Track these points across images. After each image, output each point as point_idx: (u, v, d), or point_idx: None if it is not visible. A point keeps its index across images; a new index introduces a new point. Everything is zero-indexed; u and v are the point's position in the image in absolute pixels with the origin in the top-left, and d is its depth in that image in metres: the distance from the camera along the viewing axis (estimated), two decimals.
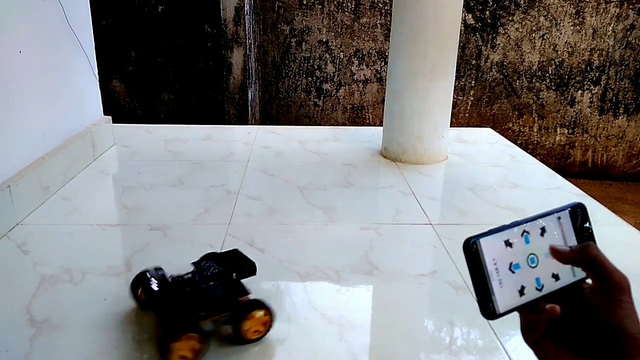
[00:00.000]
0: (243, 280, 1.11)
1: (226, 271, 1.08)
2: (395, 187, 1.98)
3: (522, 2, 3.87)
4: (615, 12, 3.86)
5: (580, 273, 0.48)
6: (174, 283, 1.09)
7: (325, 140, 2.54)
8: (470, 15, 3.91)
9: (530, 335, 0.48)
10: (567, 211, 0.49)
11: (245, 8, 3.48)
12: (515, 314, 0.48)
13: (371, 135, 2.63)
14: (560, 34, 3.93)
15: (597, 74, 4.03)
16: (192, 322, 1.01)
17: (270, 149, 2.40)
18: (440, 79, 2.14)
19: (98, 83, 2.31)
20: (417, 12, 2.05)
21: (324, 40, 3.99)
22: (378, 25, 3.95)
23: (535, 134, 4.21)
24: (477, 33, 3.96)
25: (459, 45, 2.29)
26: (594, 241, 0.48)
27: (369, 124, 4.14)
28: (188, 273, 1.10)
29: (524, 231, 0.47)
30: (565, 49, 3.97)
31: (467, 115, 4.16)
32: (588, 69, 4.02)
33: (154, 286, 1.09)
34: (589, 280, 0.47)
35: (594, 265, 0.45)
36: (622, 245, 1.57)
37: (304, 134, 2.64)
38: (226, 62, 3.56)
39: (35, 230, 1.56)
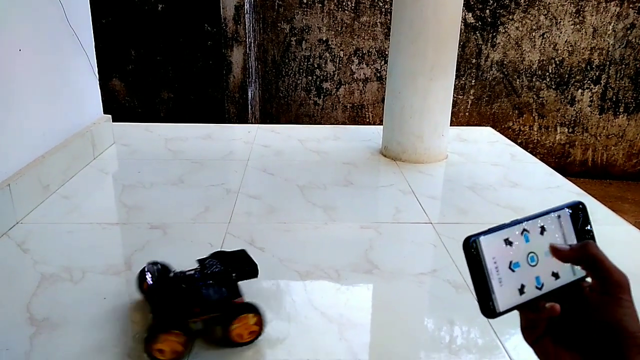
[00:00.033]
0: (244, 282, 1.11)
1: (226, 271, 1.08)
2: (395, 186, 1.98)
3: (522, 1, 3.86)
4: (615, 11, 3.86)
5: (580, 272, 0.48)
6: (174, 279, 1.10)
7: (325, 139, 2.54)
8: (470, 14, 3.91)
9: (530, 333, 0.48)
10: (567, 210, 0.49)
11: (245, 7, 3.48)
12: (515, 313, 0.48)
13: (371, 134, 2.63)
14: (561, 32, 3.93)
15: (597, 73, 4.03)
16: (179, 319, 1.01)
17: (270, 147, 2.40)
18: (440, 78, 2.14)
19: (98, 82, 2.31)
20: (417, 11, 2.05)
21: (324, 39, 3.99)
22: (378, 24, 3.95)
23: (536, 133, 4.20)
24: (477, 32, 3.95)
25: (459, 44, 2.29)
26: (594, 240, 0.48)
27: (369, 123, 4.14)
28: (191, 269, 1.10)
29: (524, 230, 0.47)
30: (565, 47, 3.97)
31: (467, 114, 4.16)
32: (588, 68, 4.01)
33: (149, 280, 1.09)
34: (588, 279, 0.47)
35: (594, 263, 0.45)
36: (622, 244, 1.57)
37: (304, 133, 2.64)
38: (226, 60, 3.56)
39: (35, 229, 1.56)
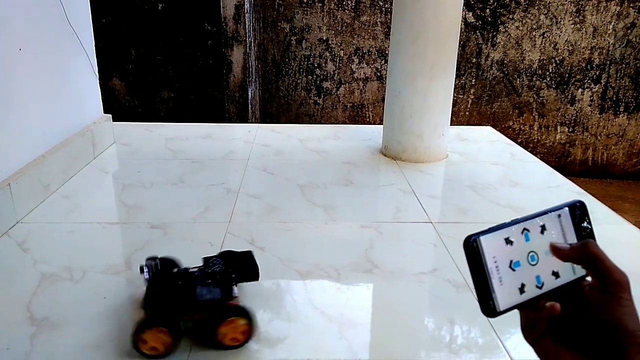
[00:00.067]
0: (245, 284, 1.11)
1: (227, 272, 1.08)
2: (396, 185, 1.98)
3: (522, 0, 3.86)
4: (615, 10, 3.86)
5: (580, 271, 0.48)
6: (174, 275, 1.10)
7: (325, 139, 2.54)
8: (470, 14, 3.91)
9: (530, 332, 0.48)
10: (567, 209, 0.49)
11: (246, 6, 3.48)
12: (515, 312, 0.48)
13: (371, 133, 2.63)
14: (561, 32, 3.93)
15: (597, 73, 4.02)
16: (167, 316, 1.01)
17: (271, 147, 2.40)
18: (441, 77, 2.14)
19: (98, 81, 2.31)
20: (418, 10, 2.05)
21: (324, 38, 3.99)
22: (378, 23, 3.95)
23: (536, 132, 4.20)
24: (477, 31, 3.95)
25: (459, 43, 2.29)
26: (594, 239, 0.48)
27: (369, 123, 4.14)
28: (196, 267, 1.11)
29: (524, 229, 0.47)
30: (565, 47, 3.97)
31: (467, 113, 4.16)
32: (588, 67, 4.01)
33: (145, 275, 1.10)
34: (588, 278, 0.47)
35: (594, 262, 0.45)
36: (622, 243, 1.57)
37: (304, 132, 2.64)
38: (226, 60, 3.56)
39: (35, 229, 1.56)
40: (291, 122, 4.06)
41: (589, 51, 3.97)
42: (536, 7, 3.87)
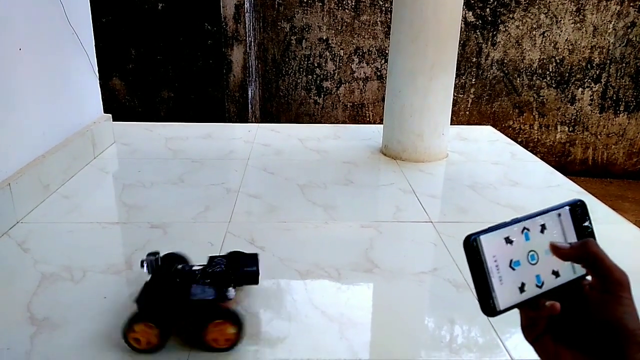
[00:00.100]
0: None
1: (227, 273, 1.08)
2: (396, 185, 1.98)
3: None
4: (615, 9, 3.86)
5: (580, 270, 0.48)
6: (174, 272, 1.10)
7: (325, 138, 2.54)
8: (470, 13, 3.90)
9: (530, 332, 0.48)
10: (567, 208, 0.49)
11: (246, 5, 3.48)
12: (516, 311, 0.48)
13: (371, 133, 2.63)
14: (561, 31, 3.93)
15: (597, 72, 4.02)
16: (156, 312, 1.01)
17: (271, 147, 2.40)
18: (441, 76, 2.14)
19: (98, 81, 2.31)
20: (418, 9, 2.05)
21: (324, 37, 3.99)
22: (378, 22, 3.94)
23: (536, 131, 4.20)
24: (477, 31, 3.95)
25: (459, 43, 2.29)
26: (594, 238, 0.48)
27: (369, 122, 4.14)
28: (200, 265, 1.11)
29: (524, 228, 0.47)
30: (565, 46, 3.96)
31: (467, 113, 4.16)
32: (588, 66, 4.01)
33: (145, 270, 1.10)
34: (589, 277, 0.47)
35: (594, 262, 0.45)
36: (623, 243, 1.57)
37: (304, 132, 2.64)
38: (226, 59, 3.56)
39: (35, 229, 1.56)
40: (291, 122, 4.06)
41: (589, 50, 3.97)
42: (536, 7, 3.87)
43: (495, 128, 2.88)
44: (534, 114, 4.15)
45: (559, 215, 0.48)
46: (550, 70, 4.02)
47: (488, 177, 2.08)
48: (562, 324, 0.47)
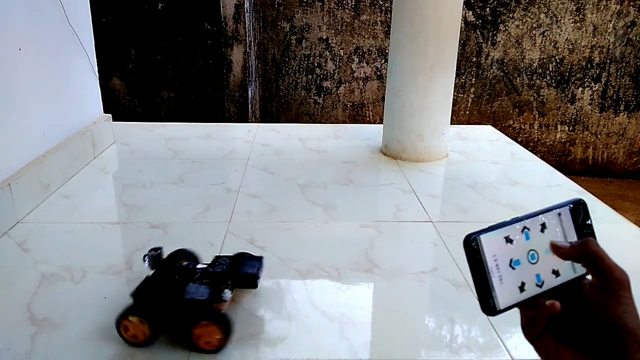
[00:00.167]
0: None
1: (224, 274, 1.08)
2: (396, 184, 1.98)
3: None
4: (615, 9, 3.86)
5: (580, 269, 0.48)
6: (176, 268, 1.10)
7: (325, 138, 2.54)
8: (470, 13, 3.90)
9: (530, 331, 0.48)
10: (568, 207, 0.49)
11: (245, 5, 3.48)
12: (516, 311, 0.47)
13: (371, 132, 2.63)
14: (561, 31, 3.92)
15: (597, 71, 4.02)
16: (147, 307, 1.02)
17: (271, 146, 2.40)
18: (441, 76, 2.14)
19: (98, 81, 2.31)
20: (417, 9, 2.05)
21: (324, 37, 3.99)
22: (378, 22, 3.94)
23: (536, 131, 4.20)
24: (477, 30, 3.95)
25: (459, 42, 2.29)
26: (595, 237, 0.48)
27: (369, 122, 4.14)
28: (204, 264, 1.12)
29: (525, 227, 0.47)
30: (565, 46, 3.96)
31: (467, 112, 4.16)
32: (589, 66, 4.01)
33: (146, 265, 1.10)
34: (589, 277, 0.47)
35: (594, 261, 0.45)
36: (623, 242, 1.57)
37: (304, 132, 2.64)
38: (226, 59, 3.56)
39: (35, 229, 1.56)
40: (291, 122, 4.06)
41: (589, 50, 3.97)
42: (536, 6, 3.87)
43: (495, 128, 2.88)
44: (534, 113, 4.15)
45: (560, 214, 0.48)
46: (550, 69, 4.02)
47: (488, 176, 2.08)
48: (562, 323, 0.47)
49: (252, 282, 1.12)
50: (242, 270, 1.12)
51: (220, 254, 1.16)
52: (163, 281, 1.07)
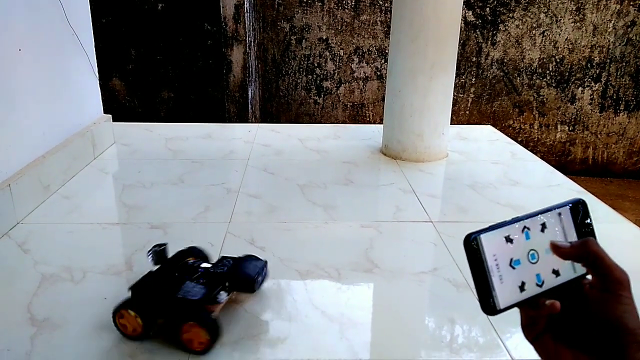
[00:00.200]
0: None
1: (223, 275, 1.08)
2: (396, 184, 1.98)
3: None
4: (615, 8, 3.86)
5: (580, 269, 0.48)
6: (178, 266, 1.11)
7: (325, 138, 2.54)
8: (470, 12, 3.90)
9: (530, 331, 0.48)
10: (568, 207, 0.49)
11: (245, 5, 3.48)
12: (516, 310, 0.47)
13: (371, 133, 2.63)
14: (561, 30, 3.92)
15: (597, 71, 4.02)
16: (141, 301, 1.03)
17: (271, 147, 2.40)
18: (441, 76, 2.14)
19: (98, 81, 2.31)
20: (417, 9, 2.05)
21: (324, 37, 3.99)
22: (378, 22, 3.94)
23: (536, 131, 4.20)
24: (477, 30, 3.95)
25: (459, 42, 2.29)
26: (595, 237, 0.48)
27: (369, 122, 4.14)
28: (209, 264, 1.13)
29: (525, 227, 0.47)
30: (565, 45, 3.96)
31: (467, 112, 4.16)
32: (588, 65, 4.01)
33: (149, 261, 1.11)
34: (589, 276, 0.47)
35: (594, 261, 0.45)
36: (623, 242, 1.57)
37: (304, 132, 2.64)
38: (226, 60, 3.56)
39: (35, 229, 1.56)
40: (291, 122, 4.06)
41: (589, 49, 3.97)
42: (536, 6, 3.87)
43: (495, 127, 2.88)
44: (534, 113, 4.15)
45: (560, 214, 0.48)
46: (550, 69, 4.02)
47: (488, 176, 2.08)
48: (562, 323, 0.47)
49: (249, 286, 1.11)
50: (241, 273, 1.12)
51: (227, 255, 1.16)
52: (162, 278, 1.07)
